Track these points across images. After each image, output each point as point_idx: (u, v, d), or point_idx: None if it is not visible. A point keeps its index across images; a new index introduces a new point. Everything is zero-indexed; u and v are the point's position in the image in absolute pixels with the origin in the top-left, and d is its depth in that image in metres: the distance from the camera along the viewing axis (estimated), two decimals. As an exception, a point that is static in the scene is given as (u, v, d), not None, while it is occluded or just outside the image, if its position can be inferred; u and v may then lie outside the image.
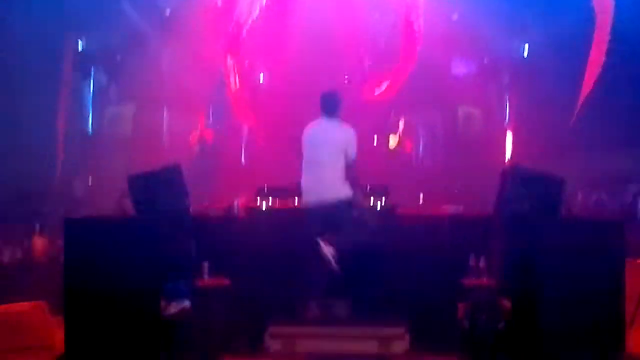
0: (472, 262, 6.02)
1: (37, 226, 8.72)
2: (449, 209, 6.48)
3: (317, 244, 5.59)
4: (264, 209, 6.50)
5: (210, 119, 14.86)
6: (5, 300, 5.19)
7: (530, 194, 5.66)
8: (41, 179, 12.68)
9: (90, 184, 15.42)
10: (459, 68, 14.27)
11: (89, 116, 15.96)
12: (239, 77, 8.96)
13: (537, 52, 13.26)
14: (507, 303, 5.40)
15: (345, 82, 13.75)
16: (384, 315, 5.83)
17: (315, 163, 5.66)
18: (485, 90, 15.22)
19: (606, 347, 4.83)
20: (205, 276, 5.91)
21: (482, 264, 5.94)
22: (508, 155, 15.38)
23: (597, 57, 7.22)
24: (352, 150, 5.74)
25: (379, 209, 6.36)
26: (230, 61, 8.81)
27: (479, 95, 15.54)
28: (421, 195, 14.06)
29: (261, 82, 10.63)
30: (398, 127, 15.06)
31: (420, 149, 18.06)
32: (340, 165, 5.67)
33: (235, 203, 6.48)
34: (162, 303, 5.37)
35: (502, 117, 16.00)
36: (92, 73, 15.42)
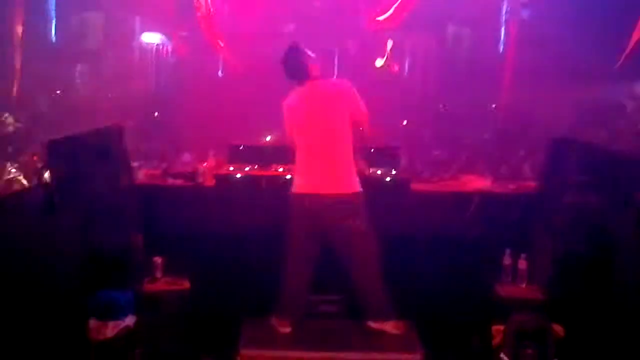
0: (506, 260, 4.27)
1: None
2: (475, 183, 4.64)
3: None
4: (238, 176, 4.56)
5: (185, 32, 12.95)
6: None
7: (596, 178, 3.88)
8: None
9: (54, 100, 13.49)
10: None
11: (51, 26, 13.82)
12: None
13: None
14: (559, 329, 3.72)
15: None
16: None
17: (315, 148, 3.77)
18: (480, 10, 13.37)
19: None
20: (159, 276, 4.08)
21: (522, 264, 4.19)
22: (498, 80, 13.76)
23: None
24: (358, 103, 3.79)
25: (388, 180, 4.48)
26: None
27: (473, 16, 13.68)
28: (405, 122, 12.44)
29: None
30: (386, 47, 13.38)
31: (407, 69, 16.33)
32: (348, 137, 3.77)
33: (201, 169, 4.55)
34: (94, 323, 3.61)
35: (496, 40, 14.21)
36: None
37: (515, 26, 12.33)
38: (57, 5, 13.47)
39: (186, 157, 8.72)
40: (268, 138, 10.54)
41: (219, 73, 14.01)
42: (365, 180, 3.93)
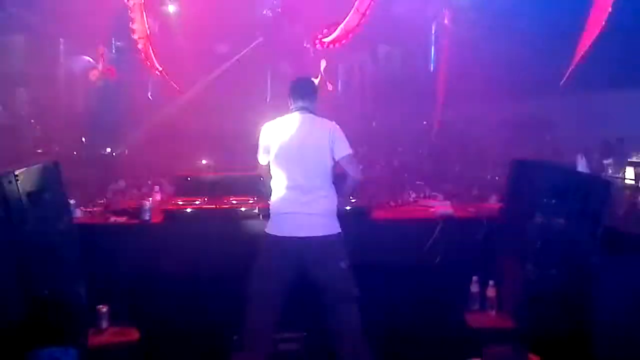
0: (474, 287, 4.08)
1: None
2: (436, 208, 4.43)
3: None
4: (189, 211, 4.18)
5: (114, 53, 12.42)
6: None
7: (563, 199, 3.75)
8: None
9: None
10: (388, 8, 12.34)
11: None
12: (146, 17, 6.35)
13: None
14: (534, 359, 3.55)
15: (266, 13, 11.58)
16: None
17: (294, 180, 3.49)
18: (410, 30, 13.46)
19: None
20: (104, 327, 3.63)
21: (490, 292, 4.00)
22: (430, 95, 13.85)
23: (598, 15, 5.36)
24: (344, 145, 3.56)
25: (348, 209, 4.21)
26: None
27: (404, 35, 13.76)
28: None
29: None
30: (319, 67, 13.21)
31: (341, 88, 16.24)
32: (328, 176, 3.56)
33: (147, 204, 4.13)
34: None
35: (427, 59, 14.36)
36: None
37: (446, 45, 12.47)
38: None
39: (121, 184, 8.15)
40: (204, 161, 10.14)
41: (149, 95, 13.49)
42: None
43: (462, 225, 4.30)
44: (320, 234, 3.50)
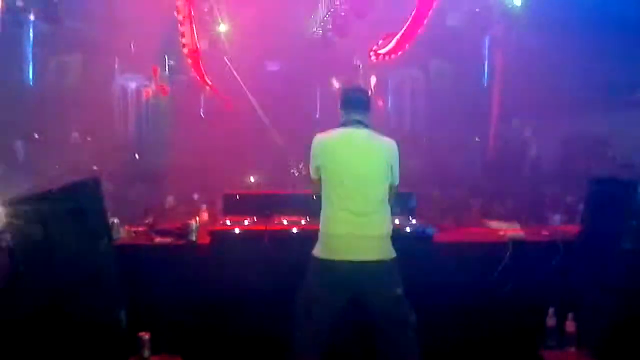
0: (550, 321, 3.60)
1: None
2: (504, 230, 3.99)
3: None
4: (237, 232, 3.86)
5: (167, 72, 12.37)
6: None
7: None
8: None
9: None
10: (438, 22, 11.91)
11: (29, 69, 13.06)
12: (195, 32, 6.14)
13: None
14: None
15: (316, 34, 11.38)
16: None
17: (349, 199, 3.12)
18: (464, 44, 13.00)
19: None
20: (146, 356, 3.32)
21: (569, 326, 3.52)
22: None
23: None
24: (396, 172, 3.26)
25: (409, 232, 3.82)
26: (184, 10, 5.94)
27: (457, 49, 13.29)
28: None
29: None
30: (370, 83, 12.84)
31: (391, 104, 15.80)
32: (385, 197, 3.20)
33: (193, 224, 3.83)
34: None
35: (478, 73, 13.82)
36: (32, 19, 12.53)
37: (500, 58, 11.95)
38: (34, 48, 12.76)
39: (169, 202, 7.95)
40: (252, 179, 9.89)
41: (201, 112, 13.42)
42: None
43: (535, 250, 3.83)
44: (374, 258, 3.14)
